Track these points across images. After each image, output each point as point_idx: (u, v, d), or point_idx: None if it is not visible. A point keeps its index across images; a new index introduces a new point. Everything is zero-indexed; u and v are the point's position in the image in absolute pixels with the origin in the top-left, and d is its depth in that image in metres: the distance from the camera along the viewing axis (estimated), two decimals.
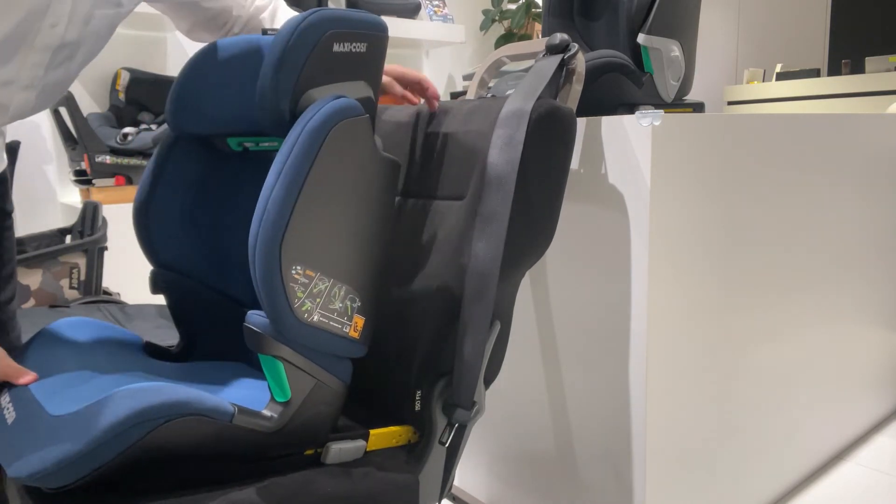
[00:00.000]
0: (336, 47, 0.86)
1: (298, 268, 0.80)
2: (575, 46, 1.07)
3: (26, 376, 0.87)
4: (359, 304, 0.87)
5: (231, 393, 0.90)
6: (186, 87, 1.03)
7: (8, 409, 0.85)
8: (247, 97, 1.00)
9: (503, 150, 0.94)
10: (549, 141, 0.95)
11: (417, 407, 0.96)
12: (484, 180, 0.95)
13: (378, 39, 0.91)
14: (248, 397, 0.90)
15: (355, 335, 0.87)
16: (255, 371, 1.09)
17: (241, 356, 1.13)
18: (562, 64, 1.06)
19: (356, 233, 0.86)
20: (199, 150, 1.08)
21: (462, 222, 0.97)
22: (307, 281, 0.81)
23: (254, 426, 0.81)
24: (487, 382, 1.01)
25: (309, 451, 0.86)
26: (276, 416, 0.83)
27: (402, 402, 0.98)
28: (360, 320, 0.87)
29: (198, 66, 1.03)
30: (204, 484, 0.78)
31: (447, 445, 0.97)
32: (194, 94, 1.02)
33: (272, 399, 0.85)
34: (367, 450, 0.91)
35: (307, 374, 0.84)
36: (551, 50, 1.08)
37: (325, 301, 0.83)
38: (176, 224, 1.07)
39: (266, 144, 1.05)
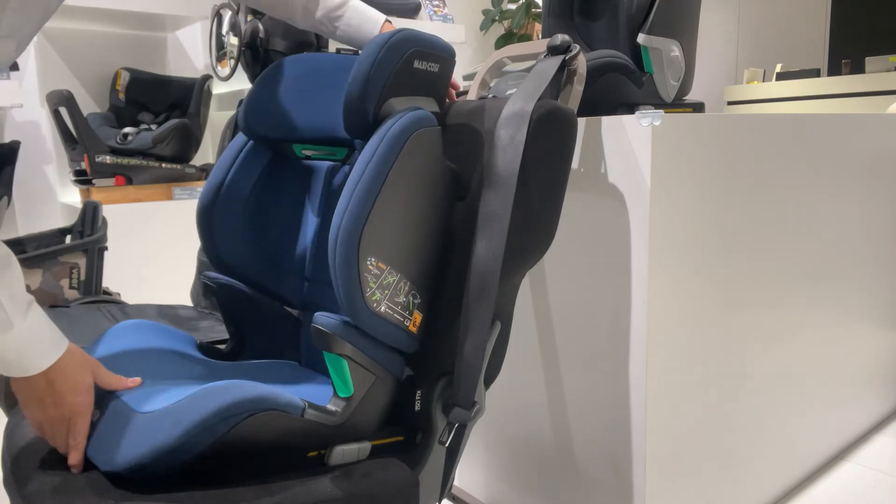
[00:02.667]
0: (416, 64, 0.96)
1: (373, 259, 0.87)
2: (576, 47, 1.07)
3: (133, 381, 0.90)
4: (419, 301, 0.93)
5: (292, 389, 0.95)
6: (262, 94, 1.11)
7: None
8: (318, 109, 1.08)
9: (504, 151, 0.94)
10: (550, 142, 0.96)
11: (417, 407, 0.98)
12: (485, 181, 0.95)
13: (448, 62, 1.01)
14: (308, 392, 0.96)
15: (413, 330, 0.94)
16: (303, 369, 1.14)
17: (287, 355, 1.19)
18: (563, 65, 1.06)
19: (422, 233, 0.93)
20: (265, 154, 1.15)
21: (462, 222, 0.97)
22: (379, 273, 0.88)
23: (322, 420, 0.87)
24: (487, 382, 1.02)
25: (312, 453, 0.89)
26: (339, 410, 0.89)
27: (403, 401, 0.98)
28: (418, 316, 0.94)
29: (274, 76, 1.12)
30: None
31: (447, 445, 0.97)
32: (268, 101, 1.10)
33: (335, 394, 0.90)
34: (370, 451, 0.93)
35: (368, 370, 0.91)
36: (553, 51, 1.08)
37: (392, 293, 0.90)
38: (237, 224, 1.14)
39: (327, 154, 1.13)
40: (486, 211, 0.94)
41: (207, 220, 1.12)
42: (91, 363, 0.86)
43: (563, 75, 1.07)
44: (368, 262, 0.86)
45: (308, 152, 1.13)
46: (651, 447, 1.22)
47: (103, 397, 0.88)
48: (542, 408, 1.38)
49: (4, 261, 0.77)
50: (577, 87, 1.07)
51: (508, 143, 0.94)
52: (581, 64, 1.07)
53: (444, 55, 1.00)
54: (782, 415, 1.55)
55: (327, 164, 1.18)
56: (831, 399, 1.73)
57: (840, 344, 1.74)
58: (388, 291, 0.89)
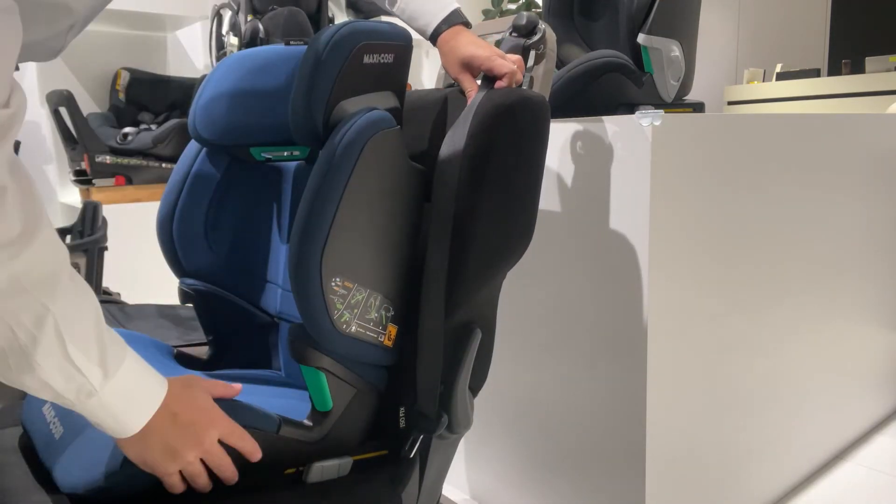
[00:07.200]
0: (366, 59, 0.87)
1: (337, 280, 0.80)
2: (542, 29, 1.00)
3: (235, 388, 0.82)
4: (392, 314, 0.87)
5: (268, 403, 0.89)
6: (209, 98, 1.03)
7: (54, 423, 0.84)
8: (271, 108, 1.00)
9: (454, 147, 0.88)
10: (517, 134, 0.89)
11: (402, 424, 0.93)
12: (435, 181, 0.89)
13: (404, 50, 0.92)
14: (286, 407, 0.90)
15: (389, 343, 0.87)
16: (285, 379, 1.09)
17: (269, 364, 1.13)
18: (526, 48, 0.99)
19: (389, 243, 0.86)
20: (222, 160, 1.08)
21: (431, 226, 0.91)
22: (345, 292, 0.81)
23: (298, 436, 0.82)
24: (474, 390, 0.97)
25: (290, 471, 0.83)
26: (318, 426, 0.83)
27: (387, 416, 0.94)
28: (393, 329, 0.87)
29: (221, 77, 1.03)
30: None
31: (424, 459, 0.91)
32: (217, 104, 1.02)
33: (313, 409, 0.85)
34: (351, 467, 0.88)
35: (347, 383, 0.85)
36: (517, 30, 1.01)
37: (362, 311, 0.83)
38: (200, 234, 1.08)
39: (288, 154, 1.05)
40: (436, 213, 0.88)
41: (167, 234, 1.06)
42: (194, 379, 0.78)
43: (531, 58, 1.00)
44: (333, 284, 0.79)
45: (267, 155, 1.06)
46: (651, 447, 1.22)
47: (66, 409, 0.83)
48: (543, 408, 1.38)
49: (75, 305, 0.64)
50: (549, 66, 0.99)
51: (456, 137, 0.88)
52: (549, 40, 0.99)
53: (397, 43, 0.90)
54: (782, 415, 1.55)
55: (293, 164, 1.11)
56: (831, 399, 1.73)
57: (840, 344, 1.74)
58: (357, 310, 0.82)
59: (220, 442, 0.75)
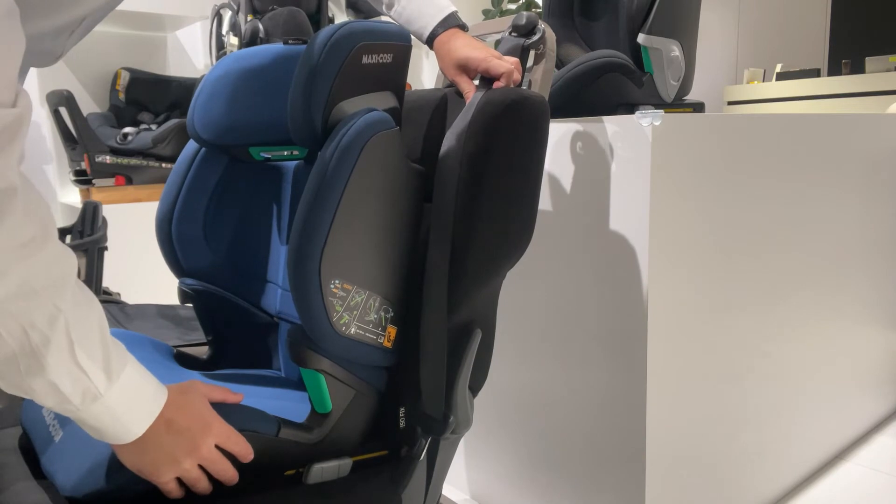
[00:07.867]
0: (365, 59, 0.87)
1: (336, 282, 0.80)
2: (541, 29, 1.00)
3: (236, 396, 0.82)
4: (392, 315, 0.87)
5: (267, 405, 0.90)
6: (208, 98, 1.03)
7: (54, 425, 0.84)
8: (269, 107, 1.00)
9: (450, 147, 0.89)
10: (517, 134, 0.88)
11: (402, 424, 0.93)
12: (436, 180, 0.89)
13: (403, 50, 0.91)
14: (285, 408, 0.90)
15: (388, 345, 0.87)
16: (284, 379, 1.09)
17: (268, 364, 1.13)
18: (527, 47, 1.00)
19: (388, 244, 0.86)
20: (221, 159, 1.08)
21: (428, 226, 0.91)
22: (345, 294, 0.81)
23: (297, 438, 0.82)
24: (473, 390, 0.96)
25: (289, 472, 0.83)
26: (317, 427, 0.84)
27: (387, 416, 0.94)
28: (392, 330, 0.87)
29: (219, 76, 1.03)
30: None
31: (432, 461, 0.92)
32: (216, 104, 1.02)
33: (313, 411, 0.85)
34: (351, 468, 0.88)
35: (347, 385, 0.85)
36: (516, 30, 1.02)
37: (362, 313, 0.83)
38: (199, 234, 1.08)
39: (287, 154, 1.05)
40: (436, 213, 0.88)
41: (166, 232, 1.06)
42: (192, 385, 0.78)
43: (531, 58, 1.00)
44: (332, 286, 0.80)
45: (266, 154, 1.06)
46: (651, 447, 1.22)
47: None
48: (543, 408, 1.38)
49: (83, 310, 0.64)
50: (548, 66, 1.00)
51: (455, 137, 0.88)
52: (549, 40, 1.00)
53: (396, 43, 0.90)
54: (782, 415, 1.55)
55: (292, 163, 1.11)
56: (831, 399, 1.73)
57: (840, 344, 1.74)
58: (356, 312, 0.82)
59: (217, 446, 0.75)
